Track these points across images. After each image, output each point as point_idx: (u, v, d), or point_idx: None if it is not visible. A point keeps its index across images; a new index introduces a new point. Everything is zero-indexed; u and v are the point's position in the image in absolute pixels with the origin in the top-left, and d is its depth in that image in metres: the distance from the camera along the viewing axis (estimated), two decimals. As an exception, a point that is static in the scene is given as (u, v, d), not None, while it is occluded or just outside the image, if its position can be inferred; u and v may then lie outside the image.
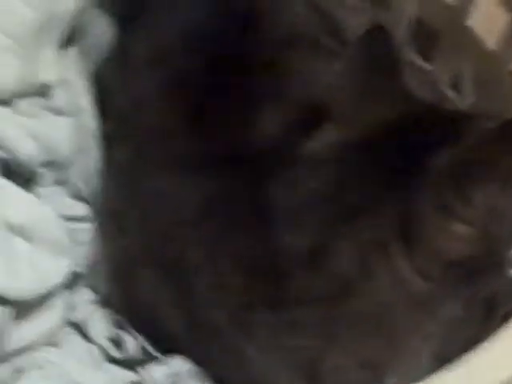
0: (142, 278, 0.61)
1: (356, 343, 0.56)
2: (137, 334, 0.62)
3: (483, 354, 0.45)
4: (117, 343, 0.62)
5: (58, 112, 0.65)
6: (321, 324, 0.55)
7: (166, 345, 0.62)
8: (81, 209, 0.65)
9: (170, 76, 0.63)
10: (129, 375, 0.60)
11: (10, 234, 0.56)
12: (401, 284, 0.54)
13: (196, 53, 0.64)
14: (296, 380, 0.57)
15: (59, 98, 0.65)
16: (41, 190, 0.62)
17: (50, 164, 0.62)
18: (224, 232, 0.58)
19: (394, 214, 0.54)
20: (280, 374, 0.57)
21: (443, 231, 0.53)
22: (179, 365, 0.59)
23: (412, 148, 0.55)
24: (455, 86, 0.75)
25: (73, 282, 0.62)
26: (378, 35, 0.58)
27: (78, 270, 0.62)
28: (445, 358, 0.48)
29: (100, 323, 0.63)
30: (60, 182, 0.65)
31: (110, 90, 0.68)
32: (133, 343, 0.62)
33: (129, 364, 0.62)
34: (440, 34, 0.74)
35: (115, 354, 0.61)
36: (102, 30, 0.69)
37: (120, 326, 0.63)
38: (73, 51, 0.67)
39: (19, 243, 0.57)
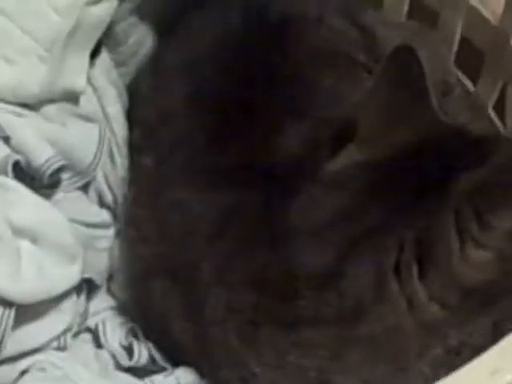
0: (156, 288, 0.61)
1: (365, 366, 0.54)
2: (148, 344, 0.62)
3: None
4: (129, 351, 0.62)
5: (86, 118, 0.65)
6: (330, 345, 0.54)
7: (174, 356, 0.62)
8: (103, 216, 0.65)
9: (196, 88, 0.64)
10: (136, 384, 0.61)
11: (15, 237, 0.57)
12: (415, 309, 0.53)
13: (224, 65, 0.64)
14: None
15: (87, 104, 0.66)
16: (62, 194, 0.63)
17: (71, 169, 0.63)
18: (238, 248, 0.57)
19: (412, 237, 0.53)
20: (285, 393, 0.57)
21: (461, 256, 0.52)
22: (185, 376, 0.59)
23: (433, 171, 0.54)
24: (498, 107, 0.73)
25: (90, 287, 0.63)
26: (406, 55, 0.57)
27: (95, 276, 0.62)
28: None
29: (114, 330, 0.63)
30: (84, 188, 0.65)
31: (140, 98, 0.68)
32: (144, 352, 0.62)
33: (138, 373, 0.62)
34: (485, 55, 0.72)
35: (125, 362, 0.62)
36: (140, 39, 0.69)
37: (134, 335, 0.63)
38: (106, 59, 0.68)
39: (25, 246, 0.57)
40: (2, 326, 0.54)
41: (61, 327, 0.59)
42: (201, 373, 0.60)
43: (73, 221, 0.61)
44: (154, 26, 0.70)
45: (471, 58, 0.75)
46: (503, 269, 0.52)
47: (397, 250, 0.53)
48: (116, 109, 0.67)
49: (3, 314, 0.55)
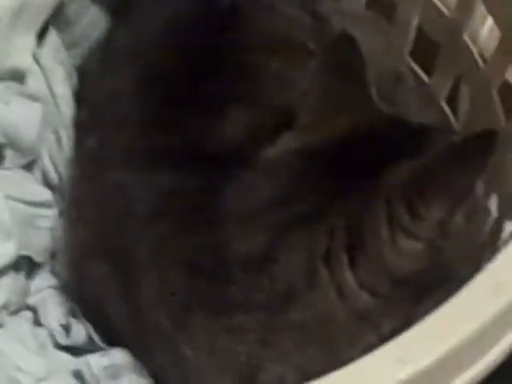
0: (94, 269, 0.61)
1: (295, 353, 0.54)
2: (87, 324, 0.62)
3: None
4: (67, 330, 0.62)
5: (32, 98, 0.65)
6: (260, 331, 0.54)
7: (111, 337, 0.62)
8: (46, 195, 0.65)
9: (143, 70, 0.63)
10: (72, 363, 0.61)
11: None
12: (346, 297, 0.53)
13: (172, 48, 0.64)
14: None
15: (34, 84, 0.65)
16: (2, 172, 0.62)
17: (14, 148, 0.63)
18: (174, 231, 0.57)
19: (342, 225, 0.53)
20: (216, 378, 0.57)
21: (391, 246, 0.52)
22: (120, 358, 0.59)
23: (367, 159, 0.54)
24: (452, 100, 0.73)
25: (32, 266, 0.63)
26: (346, 44, 0.57)
27: (35, 254, 0.62)
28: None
29: (55, 309, 0.63)
30: (28, 167, 0.65)
31: (88, 79, 0.68)
32: (82, 332, 0.62)
33: (75, 352, 0.62)
34: (440, 47, 0.72)
35: (63, 340, 0.62)
36: (93, 21, 0.69)
37: (73, 314, 0.63)
38: (56, 39, 0.68)
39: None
40: None
41: (-5, 303, 0.59)
42: (135, 354, 0.60)
43: (11, 198, 0.61)
44: (107, 8, 0.70)
45: (427, 50, 0.74)
46: (434, 259, 0.53)
47: (328, 238, 0.53)
48: (64, 89, 0.67)
49: None
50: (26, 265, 0.62)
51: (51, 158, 0.66)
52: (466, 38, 0.69)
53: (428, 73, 0.75)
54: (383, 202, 0.52)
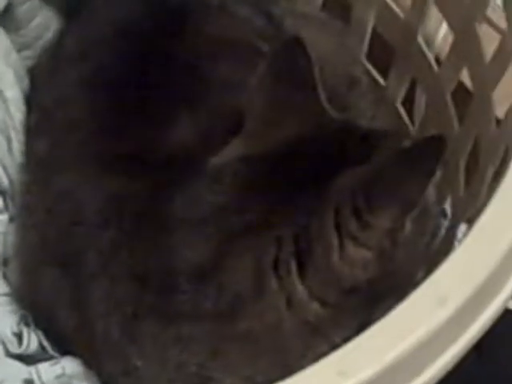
0: (46, 276, 0.60)
1: (245, 363, 0.54)
2: (38, 332, 0.62)
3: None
4: (19, 338, 0.62)
5: (-21, 102, 0.64)
6: (208, 341, 0.54)
7: (63, 345, 0.61)
8: (-3, 200, 0.64)
9: (92, 73, 0.63)
10: (23, 372, 0.60)
11: None
12: (295, 307, 0.52)
13: (121, 51, 0.63)
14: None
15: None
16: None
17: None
18: (122, 239, 0.57)
19: (290, 234, 0.52)
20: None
21: (340, 254, 0.51)
22: (72, 366, 0.59)
23: (315, 167, 0.53)
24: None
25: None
26: (294, 48, 0.56)
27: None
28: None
29: (6, 317, 0.62)
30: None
31: (38, 82, 0.68)
32: (34, 340, 0.61)
33: (27, 360, 0.61)
34: (395, 49, 0.72)
35: (14, 349, 0.61)
36: (44, 22, 0.68)
37: (25, 322, 0.62)
38: (5, 41, 0.66)
39: None
40: None
41: None
42: (86, 362, 0.60)
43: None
44: (59, 9, 0.69)
45: (383, 53, 0.74)
46: (384, 267, 0.52)
47: (276, 247, 0.52)
48: (14, 92, 0.66)
49: None
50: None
51: (2, 162, 0.65)
52: (420, 40, 0.70)
53: (384, 75, 0.76)
54: (332, 210, 0.51)
